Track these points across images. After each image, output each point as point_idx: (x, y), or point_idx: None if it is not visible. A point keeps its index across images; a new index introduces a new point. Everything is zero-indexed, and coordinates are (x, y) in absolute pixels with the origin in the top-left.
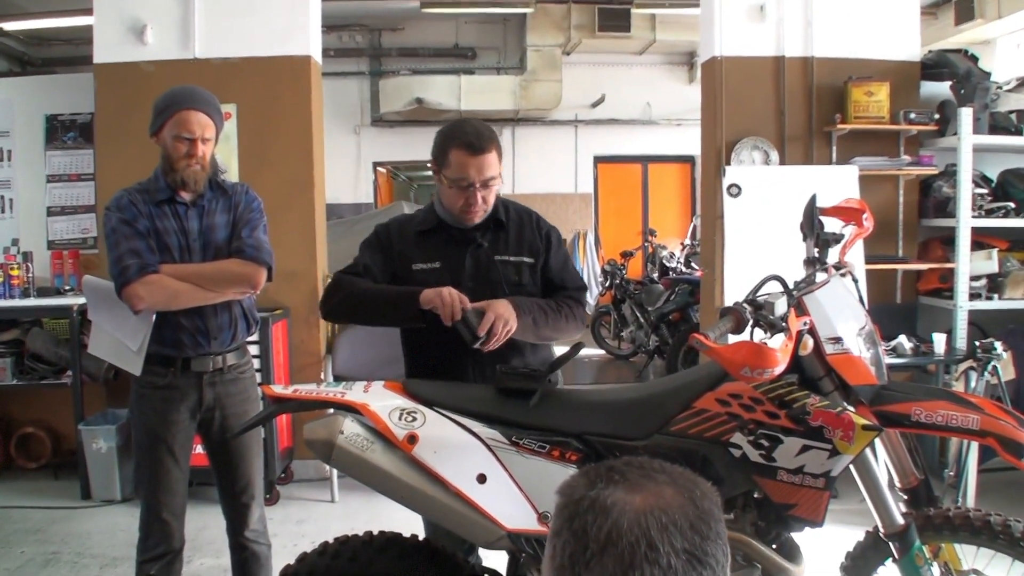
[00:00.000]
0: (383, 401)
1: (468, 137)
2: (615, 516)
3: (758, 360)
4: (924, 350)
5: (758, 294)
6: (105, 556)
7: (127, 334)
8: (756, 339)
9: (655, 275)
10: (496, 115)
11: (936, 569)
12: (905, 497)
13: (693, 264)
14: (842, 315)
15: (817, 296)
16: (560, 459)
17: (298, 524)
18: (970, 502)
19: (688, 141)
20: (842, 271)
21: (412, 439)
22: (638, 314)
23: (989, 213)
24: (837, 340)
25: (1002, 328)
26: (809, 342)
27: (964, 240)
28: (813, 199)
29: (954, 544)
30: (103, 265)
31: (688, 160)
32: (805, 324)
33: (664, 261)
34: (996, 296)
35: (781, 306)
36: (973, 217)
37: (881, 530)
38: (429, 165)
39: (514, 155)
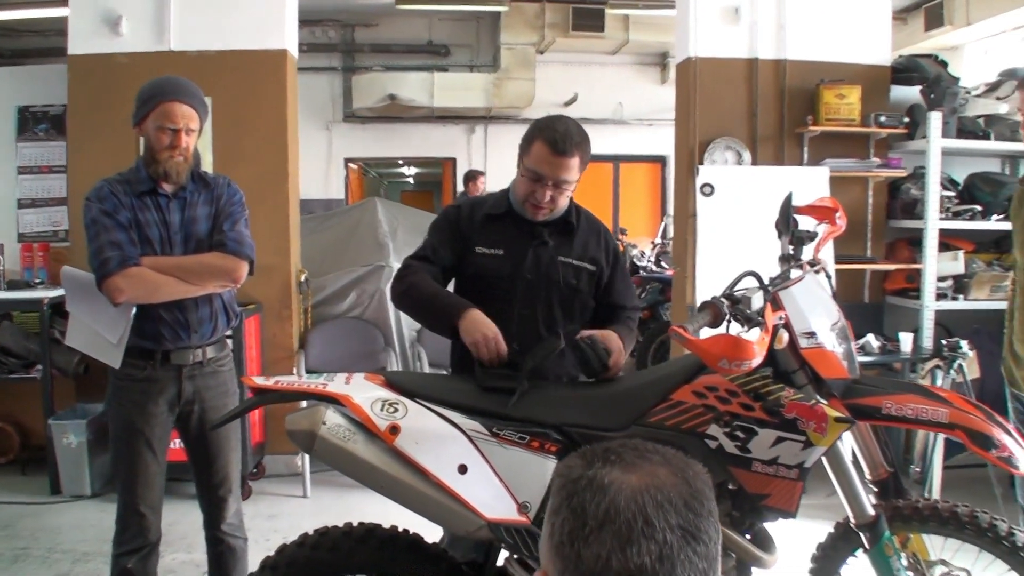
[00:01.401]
0: (365, 392)
1: (555, 135)
2: (612, 494)
3: (736, 352)
4: (891, 348)
5: (735, 289)
6: (76, 551)
7: (106, 326)
8: (732, 333)
9: None
10: (469, 113)
11: (904, 559)
12: (875, 489)
13: (663, 263)
14: (816, 310)
15: (792, 292)
16: (540, 450)
17: (270, 519)
18: (935, 497)
19: (659, 141)
20: (816, 268)
21: (394, 430)
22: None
23: (956, 215)
24: (811, 335)
25: (967, 328)
26: (784, 336)
27: (931, 241)
28: (789, 197)
29: (922, 535)
30: (74, 259)
31: (659, 160)
32: (780, 319)
33: (635, 260)
34: (962, 296)
35: (757, 301)
36: (940, 219)
37: (852, 521)
38: (519, 147)
39: (487, 153)
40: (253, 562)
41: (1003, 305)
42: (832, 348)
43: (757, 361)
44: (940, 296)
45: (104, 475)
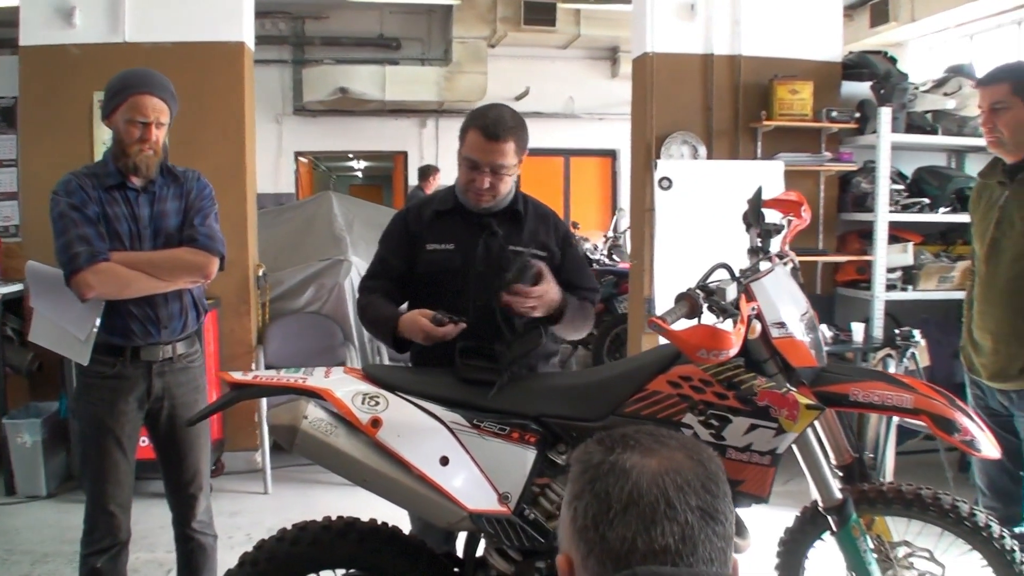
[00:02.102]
0: (345, 386)
1: (487, 121)
2: (635, 477)
3: (714, 342)
4: (843, 338)
5: (708, 281)
6: (35, 552)
7: (73, 323)
8: (707, 323)
9: None
10: (421, 106)
11: (870, 541)
12: (840, 474)
13: (615, 256)
14: (785, 301)
15: (763, 283)
16: (519, 441)
17: (231, 516)
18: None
19: (610, 135)
20: (784, 260)
21: (375, 423)
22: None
23: (905, 208)
24: (781, 325)
25: (915, 318)
26: (757, 326)
27: (881, 234)
28: (759, 191)
29: (886, 517)
30: (26, 255)
31: (609, 154)
32: (753, 309)
33: (588, 254)
34: (911, 287)
35: (732, 292)
36: (890, 212)
37: (820, 504)
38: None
39: (438, 147)
40: (220, 560)
41: (950, 295)
42: (801, 337)
43: (734, 351)
44: (890, 287)
45: (59, 475)
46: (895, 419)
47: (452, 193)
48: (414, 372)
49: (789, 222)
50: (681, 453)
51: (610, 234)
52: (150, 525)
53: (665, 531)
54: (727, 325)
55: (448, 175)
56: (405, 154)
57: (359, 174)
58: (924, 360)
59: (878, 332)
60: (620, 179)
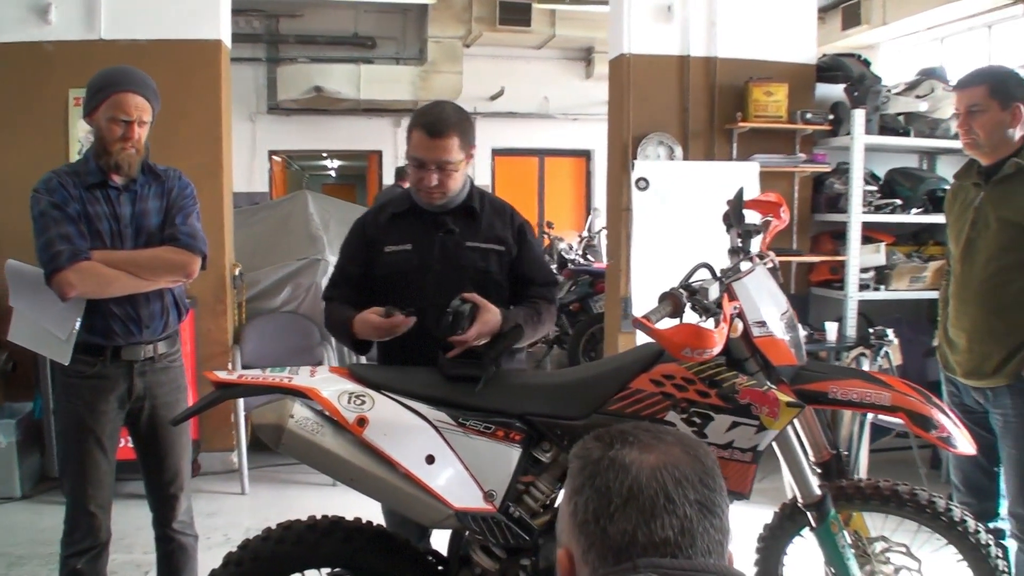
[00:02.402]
0: (331, 385)
1: (428, 119)
2: (634, 472)
3: (698, 341)
4: (817, 338)
5: (690, 281)
6: (10, 555)
7: (53, 322)
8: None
9: (553, 267)
10: (396, 105)
11: (847, 536)
12: (818, 470)
13: (589, 256)
14: (766, 301)
15: (744, 283)
16: (504, 439)
17: (209, 517)
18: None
19: (584, 135)
20: (764, 260)
21: (362, 422)
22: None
23: (878, 209)
24: (762, 324)
25: (887, 317)
26: (739, 325)
27: (855, 234)
28: (740, 192)
29: (863, 513)
30: (1, 254)
31: (584, 154)
32: (735, 308)
33: (563, 253)
34: (883, 287)
35: (714, 291)
36: (863, 213)
37: (800, 500)
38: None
39: None
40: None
41: (922, 295)
42: (781, 336)
43: (718, 349)
44: (863, 287)
45: (34, 476)
46: (868, 417)
47: (408, 195)
48: (400, 371)
49: (768, 223)
50: (678, 448)
51: (585, 234)
52: (127, 526)
53: (665, 524)
54: (709, 324)
55: None
56: (380, 153)
57: (332, 173)
58: (897, 359)
59: (851, 331)
60: (594, 179)
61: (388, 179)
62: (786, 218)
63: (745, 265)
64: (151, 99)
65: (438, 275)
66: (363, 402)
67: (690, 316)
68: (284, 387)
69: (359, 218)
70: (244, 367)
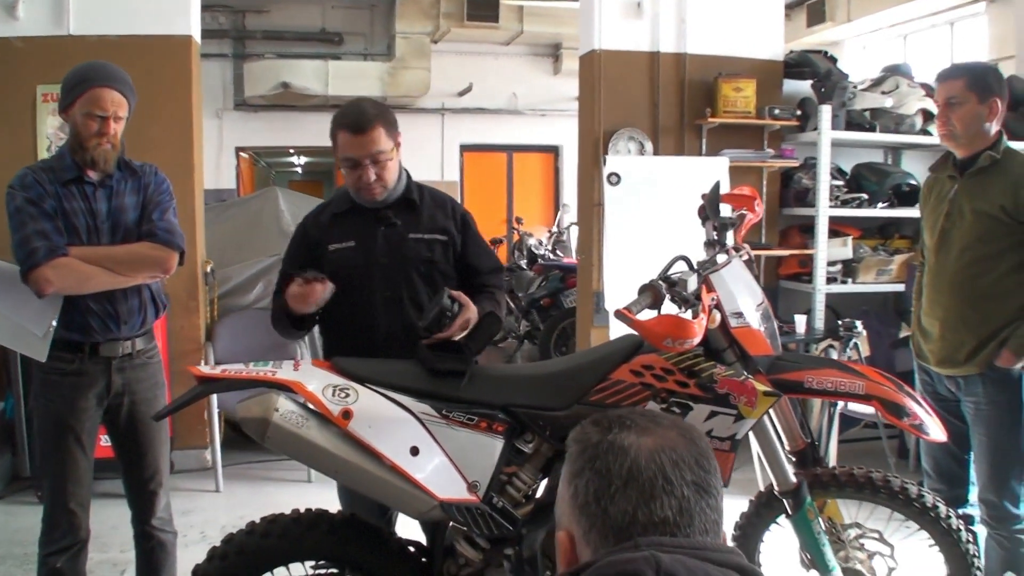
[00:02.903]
0: (316, 379)
1: (349, 118)
2: (633, 455)
3: (679, 332)
4: (786, 330)
5: (669, 273)
6: None
7: (29, 319)
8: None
9: (522, 263)
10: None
11: (822, 523)
12: (793, 459)
13: (559, 252)
14: (742, 292)
15: (722, 274)
16: (487, 430)
17: (184, 515)
18: None
19: (552, 131)
20: (740, 252)
21: (347, 415)
22: (508, 300)
23: (844, 203)
24: (739, 314)
25: (854, 310)
26: (717, 316)
27: (822, 228)
28: (717, 186)
29: (837, 500)
30: None
31: (552, 150)
32: (713, 300)
33: (532, 249)
34: (850, 280)
35: (693, 283)
36: (830, 207)
37: (776, 488)
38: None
39: None
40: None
41: (888, 288)
42: (757, 327)
43: (698, 339)
44: (830, 280)
45: (6, 476)
46: (839, 407)
47: (347, 195)
48: (383, 363)
49: (743, 216)
50: (674, 432)
51: (554, 229)
52: (102, 525)
53: (664, 504)
54: (687, 315)
55: None
56: None
57: (299, 170)
58: (865, 350)
59: (819, 324)
60: (563, 175)
61: None
62: (760, 211)
63: (721, 257)
64: (127, 94)
65: (384, 268)
66: (347, 395)
67: (668, 308)
68: (268, 381)
69: (300, 222)
70: (217, 364)
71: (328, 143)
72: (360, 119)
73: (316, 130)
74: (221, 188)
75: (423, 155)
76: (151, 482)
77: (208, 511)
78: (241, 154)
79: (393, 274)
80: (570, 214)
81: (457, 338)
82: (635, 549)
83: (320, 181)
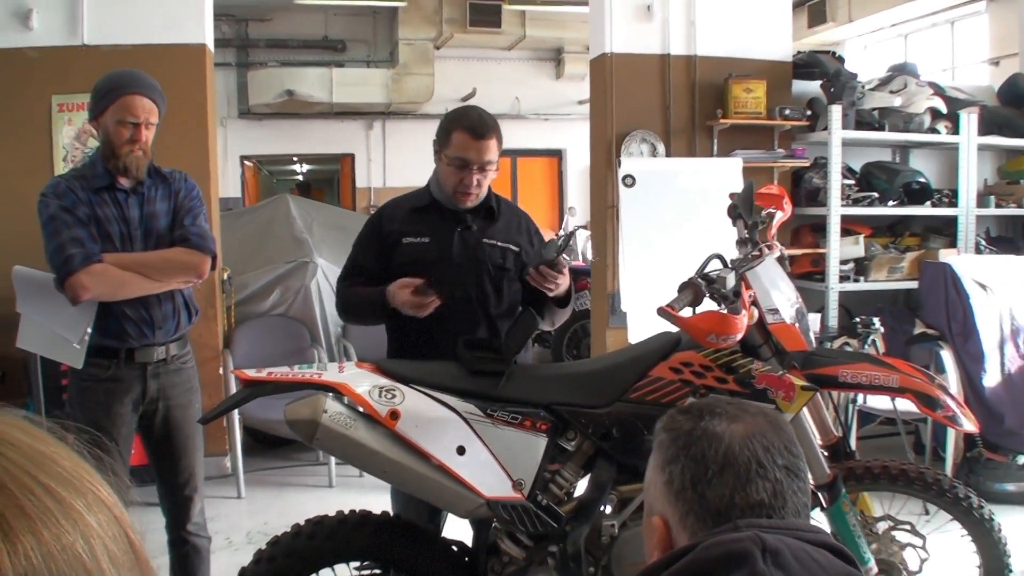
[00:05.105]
0: (362, 380)
1: (472, 122)
2: (727, 441)
3: (723, 327)
4: None
5: (705, 270)
6: None
7: (65, 326)
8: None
9: None
10: (368, 108)
11: (855, 516)
12: (826, 453)
13: (566, 255)
14: (777, 288)
15: (757, 271)
16: (531, 429)
17: (208, 521)
18: None
19: (556, 135)
20: (772, 250)
21: (394, 415)
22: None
23: (855, 202)
24: (775, 311)
25: (866, 307)
26: (755, 312)
27: (834, 227)
28: (750, 185)
29: (868, 493)
30: None
31: (556, 154)
32: (751, 296)
33: None
34: (862, 278)
35: (731, 280)
36: (842, 206)
37: (812, 482)
38: (433, 144)
39: (385, 148)
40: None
41: (900, 285)
42: (792, 323)
43: (741, 335)
44: (843, 278)
45: None
46: (857, 403)
47: (427, 191)
48: (427, 365)
49: (772, 214)
50: (761, 418)
51: (561, 232)
52: None
53: (759, 488)
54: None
55: (391, 175)
56: (352, 156)
57: (300, 177)
58: (881, 347)
59: (833, 322)
60: (567, 179)
61: (362, 182)
62: (789, 209)
63: (754, 255)
64: (158, 101)
65: (457, 267)
66: (394, 396)
67: (705, 305)
68: (315, 383)
69: (375, 212)
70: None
71: (332, 150)
72: (482, 125)
73: (320, 137)
74: (228, 196)
75: (428, 160)
76: (186, 487)
77: (232, 517)
78: (246, 162)
79: (465, 275)
80: (576, 217)
81: (552, 293)
82: (736, 531)
83: (322, 188)
